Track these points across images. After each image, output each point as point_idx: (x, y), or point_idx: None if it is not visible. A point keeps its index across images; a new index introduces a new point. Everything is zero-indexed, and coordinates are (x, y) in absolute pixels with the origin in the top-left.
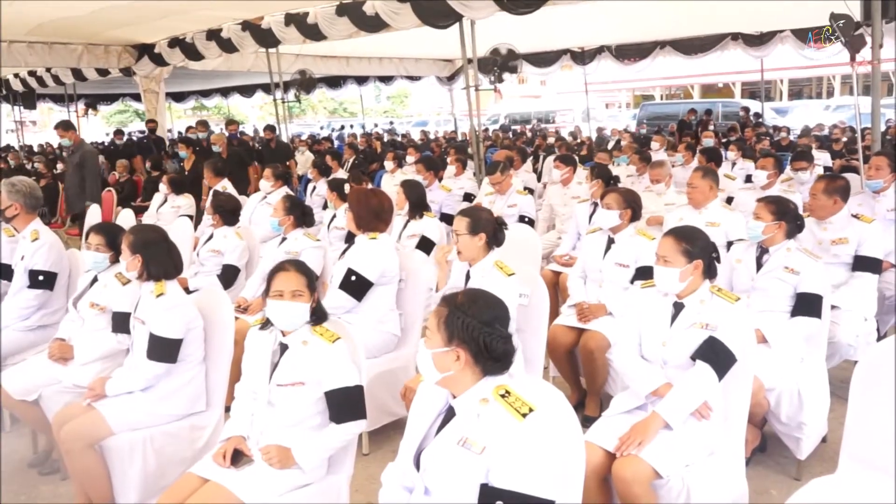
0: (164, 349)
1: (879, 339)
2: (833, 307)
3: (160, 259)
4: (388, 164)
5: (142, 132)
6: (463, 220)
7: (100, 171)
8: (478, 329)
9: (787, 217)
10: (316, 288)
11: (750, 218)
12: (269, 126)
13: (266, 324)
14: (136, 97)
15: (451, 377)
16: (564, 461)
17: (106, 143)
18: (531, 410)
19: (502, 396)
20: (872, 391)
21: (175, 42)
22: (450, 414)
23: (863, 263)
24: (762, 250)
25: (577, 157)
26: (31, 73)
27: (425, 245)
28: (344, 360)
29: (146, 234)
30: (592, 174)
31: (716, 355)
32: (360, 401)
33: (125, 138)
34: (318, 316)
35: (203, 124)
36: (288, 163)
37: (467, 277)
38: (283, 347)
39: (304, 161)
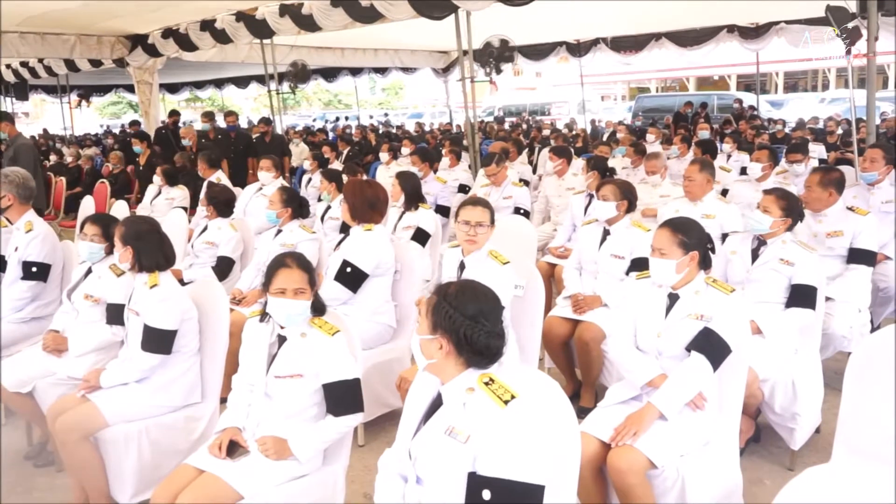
0: (158, 340)
1: (873, 330)
2: (827, 299)
3: (151, 250)
4: (384, 156)
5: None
6: (486, 211)
7: (37, 169)
8: (459, 321)
9: (793, 213)
10: (315, 281)
11: (746, 210)
12: (264, 119)
13: (264, 316)
14: (130, 88)
15: (436, 364)
16: (554, 447)
17: (98, 135)
18: (513, 397)
19: (486, 384)
20: (866, 382)
21: (169, 33)
22: (438, 402)
23: (858, 256)
24: (759, 242)
25: (572, 149)
26: (23, 64)
27: (421, 237)
28: (343, 353)
29: (138, 225)
30: (589, 166)
31: (711, 346)
32: (358, 394)
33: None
34: (317, 308)
35: (208, 116)
36: (284, 158)
37: (462, 267)
38: (281, 339)
39: (298, 153)
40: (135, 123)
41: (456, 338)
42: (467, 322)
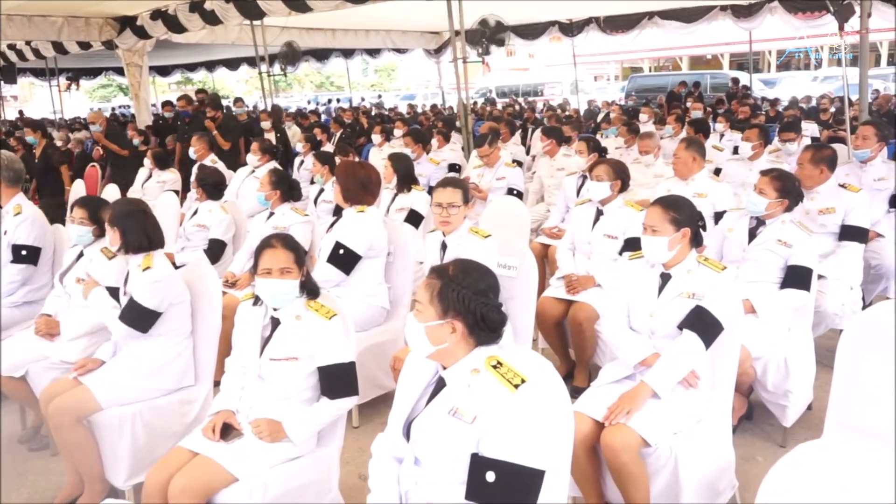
0: (138, 316)
1: (865, 307)
2: (819, 277)
3: (135, 231)
4: (376, 138)
5: (123, 107)
6: (457, 192)
7: None
8: (474, 300)
9: (790, 195)
10: (305, 262)
11: (739, 189)
12: (213, 98)
13: (257, 299)
14: (120, 71)
15: (443, 350)
16: (555, 432)
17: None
18: (523, 381)
19: (494, 367)
20: (858, 359)
21: (157, 14)
22: (440, 385)
23: (849, 233)
24: (757, 221)
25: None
26: (11, 47)
27: (414, 218)
28: (340, 336)
29: (123, 206)
30: (589, 147)
31: (703, 324)
32: (354, 377)
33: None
34: (311, 290)
35: (186, 98)
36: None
37: (443, 247)
38: (275, 322)
39: (290, 135)
40: (168, 104)
41: (472, 318)
42: (481, 300)
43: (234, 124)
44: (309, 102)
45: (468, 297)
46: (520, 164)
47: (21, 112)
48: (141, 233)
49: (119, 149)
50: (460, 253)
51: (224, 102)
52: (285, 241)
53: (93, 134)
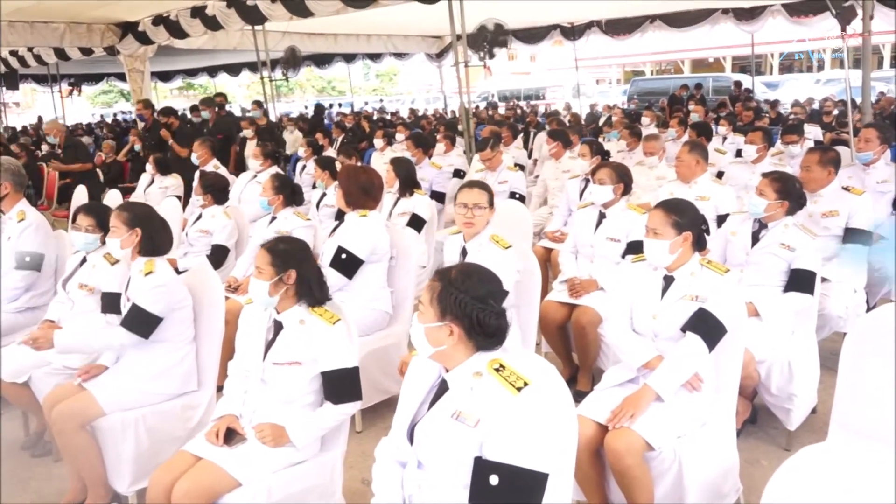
0: (141, 321)
1: (869, 310)
2: (823, 279)
3: (158, 232)
4: (378, 142)
5: (125, 112)
6: (483, 193)
7: None
8: (471, 305)
9: (790, 197)
10: (291, 267)
11: (741, 192)
12: (166, 109)
13: None
14: (121, 77)
15: (444, 352)
16: (558, 435)
17: (90, 124)
18: (526, 384)
19: (497, 370)
20: (862, 362)
21: (159, 20)
22: (443, 388)
23: (854, 235)
24: (760, 225)
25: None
26: (13, 53)
27: (416, 223)
28: (343, 341)
29: (142, 208)
30: (592, 150)
31: (706, 327)
32: (357, 382)
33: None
34: (317, 298)
35: (144, 103)
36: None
37: (464, 252)
38: (278, 326)
39: (292, 140)
40: (195, 109)
41: (468, 322)
42: (479, 305)
43: (188, 131)
44: (306, 108)
45: (465, 302)
46: (522, 167)
47: (40, 118)
48: (164, 235)
49: (81, 165)
50: (479, 261)
51: (236, 106)
52: (274, 243)
53: (52, 147)
